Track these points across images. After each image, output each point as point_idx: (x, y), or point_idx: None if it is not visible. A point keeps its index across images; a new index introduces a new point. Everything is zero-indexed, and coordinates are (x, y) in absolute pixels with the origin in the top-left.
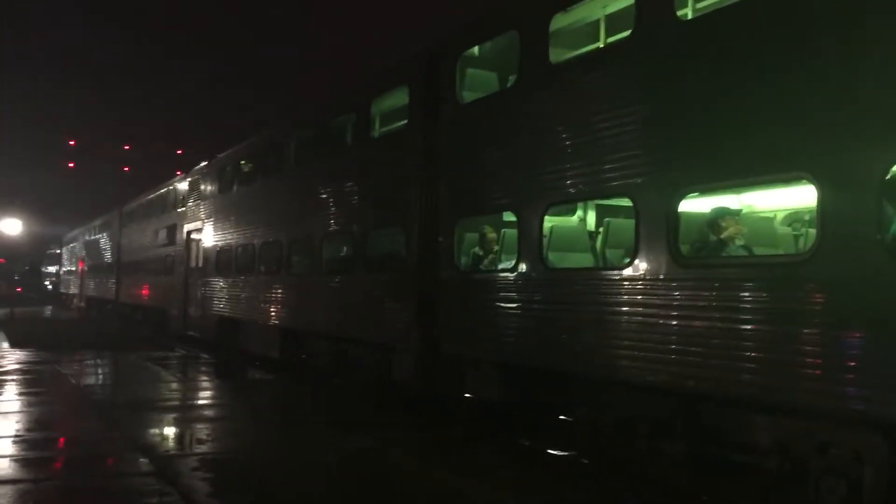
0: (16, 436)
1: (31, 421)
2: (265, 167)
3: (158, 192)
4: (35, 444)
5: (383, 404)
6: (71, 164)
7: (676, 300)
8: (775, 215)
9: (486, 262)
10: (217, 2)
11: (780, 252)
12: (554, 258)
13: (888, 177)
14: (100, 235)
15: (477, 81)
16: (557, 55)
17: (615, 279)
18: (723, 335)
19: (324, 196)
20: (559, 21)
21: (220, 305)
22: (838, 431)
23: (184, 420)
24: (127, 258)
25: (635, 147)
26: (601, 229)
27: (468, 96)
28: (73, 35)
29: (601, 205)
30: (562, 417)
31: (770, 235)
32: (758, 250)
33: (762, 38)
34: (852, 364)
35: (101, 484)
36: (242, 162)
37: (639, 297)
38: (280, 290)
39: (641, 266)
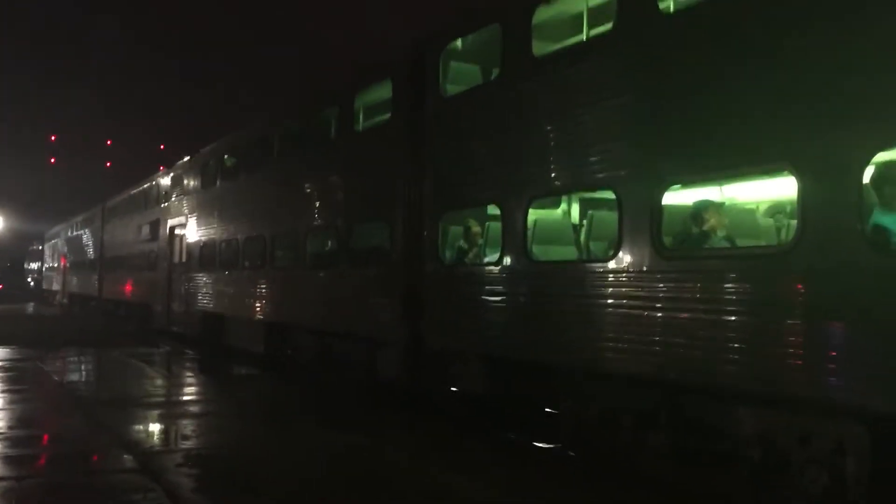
0: None
1: (14, 418)
2: (249, 162)
3: (141, 188)
4: (18, 441)
5: (370, 399)
6: (52, 160)
7: (660, 292)
8: (758, 207)
9: (470, 255)
10: None
11: (763, 243)
12: (538, 251)
13: (868, 167)
14: (82, 231)
15: (461, 74)
16: (541, 48)
17: (599, 272)
18: (705, 327)
19: (308, 190)
20: (542, 14)
21: (204, 301)
22: (821, 422)
23: (168, 416)
24: (110, 254)
25: (618, 140)
26: (585, 222)
27: (452, 89)
28: (55, 29)
29: (585, 197)
30: (547, 410)
31: (752, 227)
32: (740, 242)
33: (743, 31)
34: (834, 354)
35: (85, 481)
36: (226, 156)
37: (622, 289)
38: (264, 285)
39: (625, 258)
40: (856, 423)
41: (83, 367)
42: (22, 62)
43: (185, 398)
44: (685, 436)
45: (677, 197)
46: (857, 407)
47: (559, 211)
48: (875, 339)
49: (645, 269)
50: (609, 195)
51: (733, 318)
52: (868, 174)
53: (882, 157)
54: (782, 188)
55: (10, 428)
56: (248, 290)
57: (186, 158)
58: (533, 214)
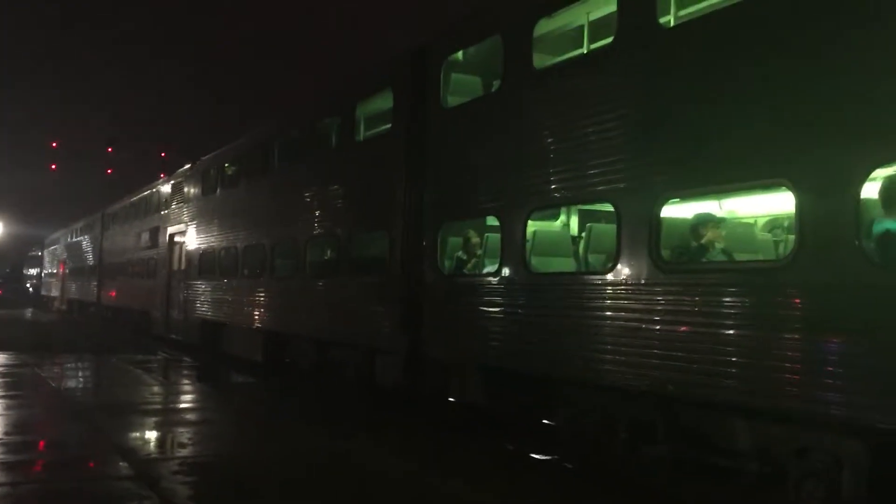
0: None
1: (10, 424)
2: (249, 170)
3: (141, 195)
4: (14, 447)
5: (369, 408)
6: (53, 166)
7: (658, 305)
8: (756, 221)
9: (469, 265)
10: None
11: (760, 258)
12: (537, 262)
13: (865, 183)
14: (82, 238)
15: (462, 85)
16: (541, 60)
17: (597, 284)
18: (703, 340)
19: (308, 199)
20: (543, 26)
21: (203, 308)
22: (818, 435)
23: (165, 423)
24: (109, 261)
25: (618, 153)
26: (584, 234)
27: (453, 100)
28: (56, 35)
29: (584, 210)
30: (545, 421)
31: (750, 241)
32: (738, 256)
33: (743, 46)
34: (831, 369)
35: (81, 488)
36: (226, 165)
37: (620, 301)
38: (264, 294)
39: (623, 271)
40: (853, 437)
41: (81, 373)
42: (23, 68)
43: (183, 406)
44: (683, 448)
45: (676, 210)
46: (855, 421)
47: (558, 223)
48: (872, 353)
49: (643, 281)
50: (608, 208)
51: (731, 331)
52: (868, 189)
53: (880, 173)
54: (780, 203)
55: (6, 434)
56: (247, 298)
57: (187, 166)
58: (532, 226)
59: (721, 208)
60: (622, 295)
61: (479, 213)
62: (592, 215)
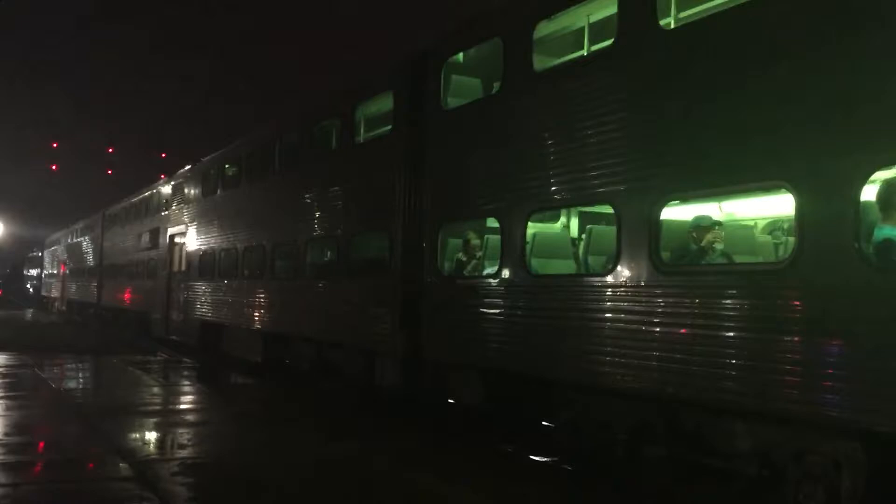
0: None
1: (10, 425)
2: (249, 171)
3: (142, 196)
4: (14, 448)
5: (368, 409)
6: (54, 167)
7: (657, 307)
8: (756, 223)
9: (469, 267)
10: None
11: (760, 260)
12: (536, 264)
13: (865, 186)
14: (82, 238)
15: (461, 88)
16: (541, 63)
17: (597, 286)
18: (703, 342)
19: (308, 200)
20: (543, 28)
21: (203, 309)
22: (817, 438)
23: (165, 424)
24: (109, 261)
25: (617, 155)
26: (584, 236)
27: (453, 102)
28: (56, 35)
29: (584, 211)
30: (544, 423)
31: (750, 243)
32: (738, 258)
33: (743, 48)
34: (831, 371)
35: (80, 489)
36: (226, 166)
37: (620, 303)
38: (263, 295)
39: (623, 273)
40: (852, 439)
41: (80, 374)
42: (24, 68)
43: (182, 406)
44: (682, 450)
45: (676, 212)
46: (854, 424)
47: (558, 225)
48: (871, 356)
49: (643, 283)
50: (608, 210)
51: (730, 333)
52: (867, 192)
53: (880, 175)
54: (780, 205)
55: (6, 435)
56: (247, 300)
57: (187, 167)
58: (532, 228)
59: (721, 210)
60: (622, 297)
61: (479, 215)
62: (592, 217)
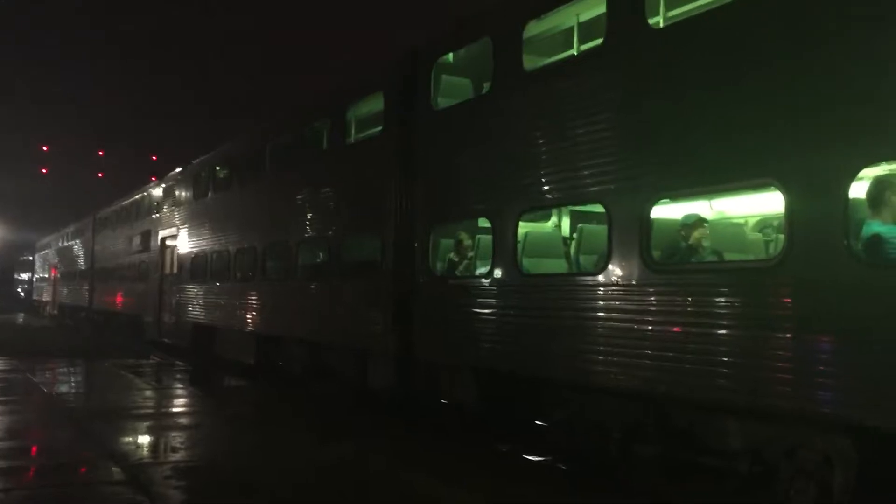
0: None
1: (2, 430)
2: (240, 173)
3: (133, 199)
4: (5, 453)
5: (362, 410)
6: (44, 170)
7: (649, 305)
8: (746, 221)
9: (460, 267)
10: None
11: (750, 257)
12: (528, 264)
13: (854, 183)
14: (73, 242)
15: (452, 88)
16: (531, 62)
17: (589, 285)
18: (694, 340)
19: (299, 202)
20: (533, 28)
21: (195, 312)
22: (808, 434)
23: (157, 428)
24: (101, 265)
25: (608, 154)
26: (575, 235)
27: (443, 102)
28: (46, 38)
29: (575, 211)
30: (537, 422)
31: (740, 241)
32: (728, 256)
33: (731, 47)
34: (821, 368)
35: (73, 493)
36: (217, 168)
37: (612, 302)
38: (256, 297)
39: (614, 272)
40: (843, 435)
41: (73, 378)
42: (13, 70)
43: (175, 410)
44: (674, 448)
45: (666, 211)
46: (845, 420)
47: (549, 224)
48: (861, 351)
49: (634, 282)
50: (598, 209)
51: (722, 331)
52: (856, 189)
53: (867, 172)
54: (770, 203)
55: None
56: (239, 302)
57: (178, 170)
58: (523, 227)
59: (711, 208)
60: (613, 295)
61: (471, 215)
62: (583, 216)
